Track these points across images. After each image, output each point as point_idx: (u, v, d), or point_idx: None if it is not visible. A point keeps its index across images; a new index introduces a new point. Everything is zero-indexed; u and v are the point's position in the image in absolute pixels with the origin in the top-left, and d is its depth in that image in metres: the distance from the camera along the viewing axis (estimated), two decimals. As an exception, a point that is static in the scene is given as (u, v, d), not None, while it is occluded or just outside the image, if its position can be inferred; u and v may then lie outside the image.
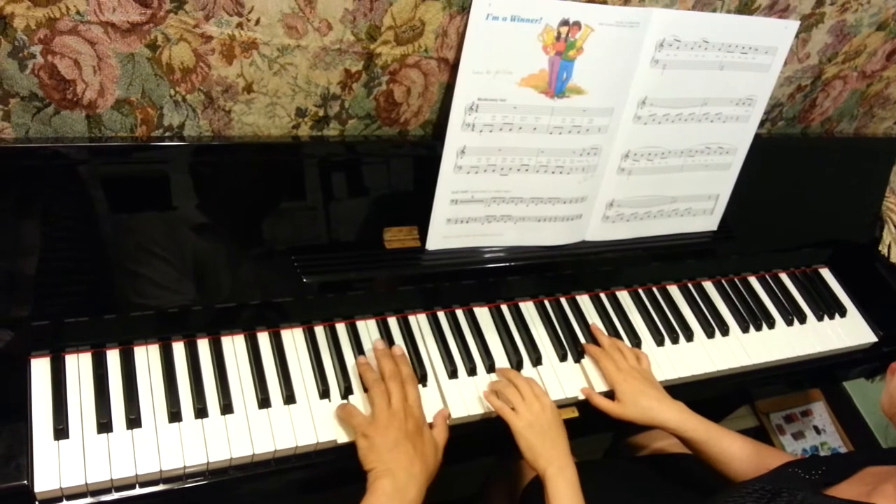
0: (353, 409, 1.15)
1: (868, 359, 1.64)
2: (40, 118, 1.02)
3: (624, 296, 1.51)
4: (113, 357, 1.14)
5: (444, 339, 1.31)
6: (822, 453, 2.22)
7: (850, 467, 1.01)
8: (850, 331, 1.63)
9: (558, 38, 1.14)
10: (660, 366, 1.40)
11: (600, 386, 1.32)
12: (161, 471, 1.05)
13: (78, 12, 0.93)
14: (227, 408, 1.13)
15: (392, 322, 1.31)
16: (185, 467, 1.07)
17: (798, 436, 2.25)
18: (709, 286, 1.59)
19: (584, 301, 1.47)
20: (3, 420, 1.04)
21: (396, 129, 1.24)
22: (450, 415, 1.21)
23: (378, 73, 1.14)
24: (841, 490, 0.97)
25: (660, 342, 1.45)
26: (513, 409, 1.20)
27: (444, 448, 1.15)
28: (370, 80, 1.15)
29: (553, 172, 1.27)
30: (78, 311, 1.10)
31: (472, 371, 1.29)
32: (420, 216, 1.25)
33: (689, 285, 1.57)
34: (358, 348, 1.26)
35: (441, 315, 1.35)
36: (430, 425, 1.16)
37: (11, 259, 1.04)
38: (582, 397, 1.31)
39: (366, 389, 1.18)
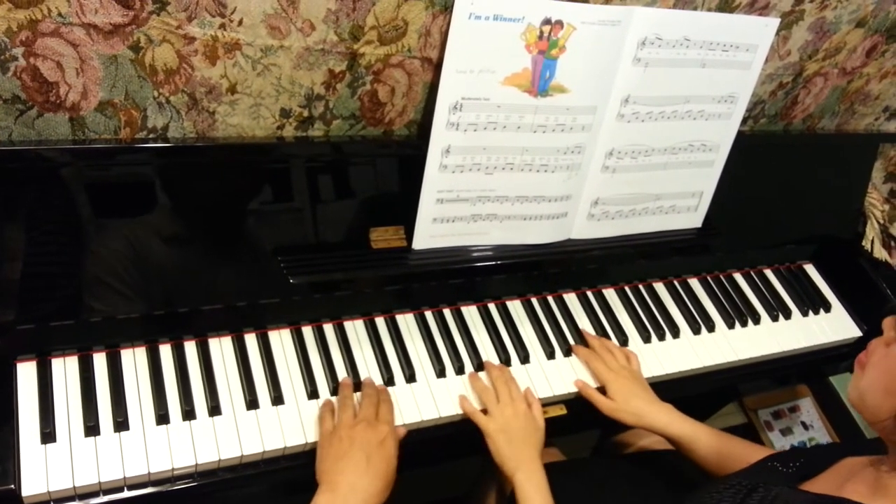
0: (325, 414, 1.14)
1: (853, 353, 1.61)
2: (23, 121, 1.02)
3: (610, 293, 1.51)
4: (99, 360, 1.14)
5: (431, 338, 1.32)
6: (809, 449, 2.23)
7: (828, 459, 1.02)
8: (834, 325, 1.64)
9: (541, 36, 1.14)
10: (646, 362, 1.40)
11: (590, 383, 1.33)
12: (149, 473, 1.05)
13: (60, 14, 0.93)
14: (214, 409, 1.13)
15: (380, 322, 1.32)
16: (173, 469, 1.07)
17: (786, 432, 2.26)
18: (694, 283, 1.60)
19: (570, 299, 1.47)
20: (-11, 424, 1.03)
21: (381, 129, 1.25)
22: (405, 432, 1.19)
23: (362, 73, 1.15)
24: (817, 483, 0.98)
25: (646, 339, 1.46)
26: (485, 411, 1.21)
27: (423, 449, 1.15)
28: (354, 80, 1.15)
29: (538, 171, 1.28)
30: (64, 315, 1.10)
31: (460, 370, 1.29)
32: (406, 216, 1.25)
33: (675, 282, 1.58)
34: (346, 348, 1.26)
35: (428, 314, 1.35)
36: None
37: (-4, 263, 1.04)
38: (573, 390, 1.31)
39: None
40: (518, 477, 1.13)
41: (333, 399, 1.19)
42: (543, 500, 1.11)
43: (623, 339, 1.43)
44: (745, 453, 1.20)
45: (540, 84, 1.19)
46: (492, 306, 1.40)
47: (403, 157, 1.25)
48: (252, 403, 1.15)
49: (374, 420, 1.13)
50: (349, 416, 1.12)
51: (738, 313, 1.57)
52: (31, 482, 1.00)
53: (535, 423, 1.22)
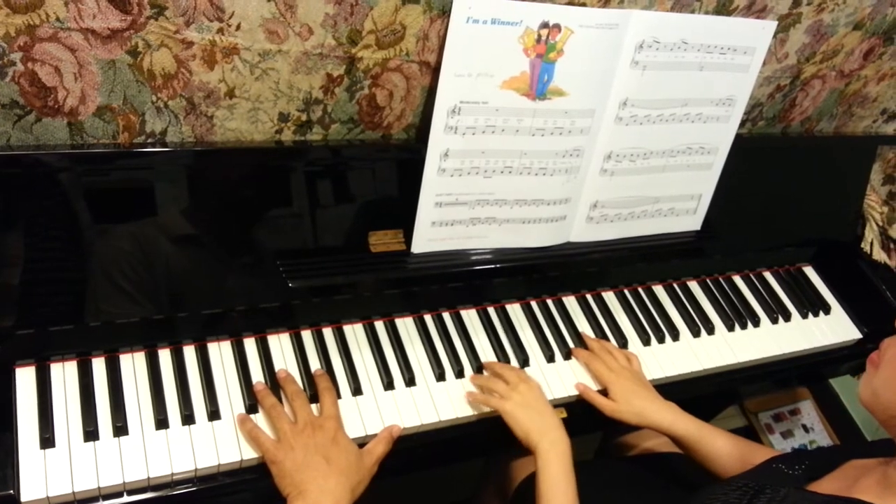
0: (258, 433, 1.10)
1: (854, 356, 1.65)
2: (21, 126, 1.02)
3: (610, 296, 1.51)
4: (98, 365, 1.13)
5: (431, 341, 1.32)
6: (810, 452, 2.23)
7: (833, 461, 1.02)
8: (834, 328, 1.64)
9: (539, 40, 1.14)
10: (647, 365, 1.40)
11: (590, 386, 1.33)
12: (149, 478, 1.05)
13: (58, 19, 0.93)
14: (214, 414, 1.13)
15: (379, 325, 1.31)
16: (172, 474, 1.06)
17: (787, 434, 2.26)
18: (694, 286, 1.60)
19: (570, 302, 1.47)
20: (-12, 430, 1.03)
21: (379, 132, 1.25)
22: (401, 430, 1.18)
23: (360, 77, 1.15)
24: (823, 484, 0.98)
25: (646, 342, 1.45)
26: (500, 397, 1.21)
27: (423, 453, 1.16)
28: (352, 84, 1.15)
29: (536, 174, 1.28)
30: (62, 320, 1.10)
31: (459, 373, 1.29)
32: (405, 219, 1.25)
33: (675, 285, 1.58)
34: (345, 353, 1.26)
35: (428, 318, 1.35)
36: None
37: (-6, 268, 1.04)
38: (574, 393, 1.31)
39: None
40: (542, 446, 1.12)
41: (253, 417, 1.14)
42: (566, 471, 1.10)
43: (622, 342, 1.43)
44: (750, 453, 1.20)
45: (538, 87, 1.19)
46: (491, 310, 1.40)
47: (402, 161, 1.25)
48: (252, 408, 1.14)
49: (315, 419, 1.11)
50: (288, 424, 1.09)
51: (738, 316, 1.57)
52: (30, 487, 0.99)
53: (546, 399, 1.22)
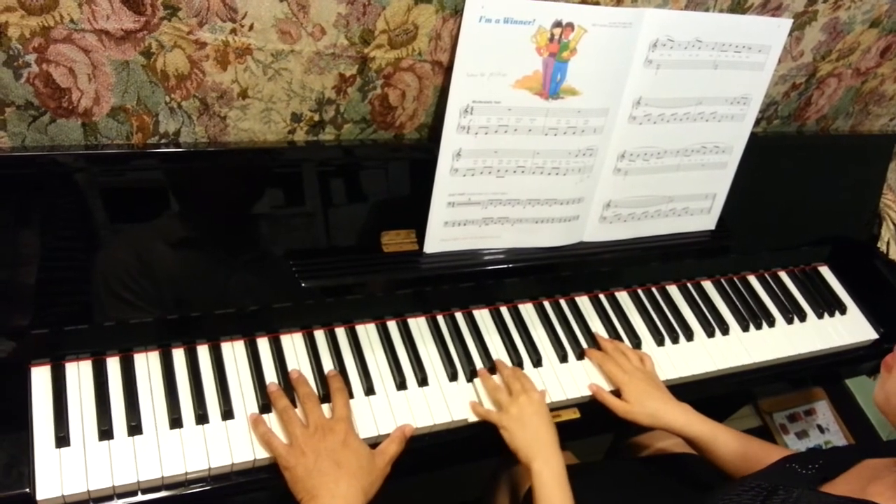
0: (270, 437, 1.10)
1: (870, 356, 1.64)
2: (36, 127, 1.03)
3: (623, 296, 1.51)
4: (113, 364, 1.14)
5: (443, 341, 1.32)
6: (825, 452, 2.21)
7: (847, 461, 1.01)
8: (850, 328, 1.63)
9: (552, 39, 1.14)
10: (660, 366, 1.40)
11: (603, 387, 1.32)
12: (163, 477, 1.06)
13: (72, 20, 0.94)
14: (227, 413, 1.13)
15: (391, 325, 1.31)
16: (186, 473, 1.07)
17: (802, 435, 2.25)
18: (708, 286, 1.59)
19: (583, 302, 1.47)
20: (4, 428, 1.04)
21: (392, 132, 1.25)
22: (413, 430, 1.18)
23: (372, 77, 1.15)
24: (838, 485, 0.97)
25: (660, 342, 1.45)
26: (500, 408, 1.21)
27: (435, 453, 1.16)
28: (365, 84, 1.15)
29: (549, 174, 1.28)
30: (77, 319, 1.10)
31: (472, 374, 1.29)
32: (417, 219, 1.25)
33: (689, 285, 1.57)
34: (358, 353, 1.26)
35: (440, 318, 1.35)
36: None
37: (10, 268, 1.05)
38: (586, 394, 1.31)
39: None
40: (535, 465, 1.12)
41: (265, 417, 1.14)
42: (561, 488, 1.10)
43: (636, 343, 1.43)
44: (765, 454, 1.19)
45: (551, 87, 1.18)
46: (504, 310, 1.40)
47: (414, 161, 1.25)
48: (265, 408, 1.15)
49: (326, 422, 1.11)
50: (300, 428, 1.10)
51: (753, 316, 1.56)
52: (46, 486, 1.00)
53: (547, 411, 1.21)
